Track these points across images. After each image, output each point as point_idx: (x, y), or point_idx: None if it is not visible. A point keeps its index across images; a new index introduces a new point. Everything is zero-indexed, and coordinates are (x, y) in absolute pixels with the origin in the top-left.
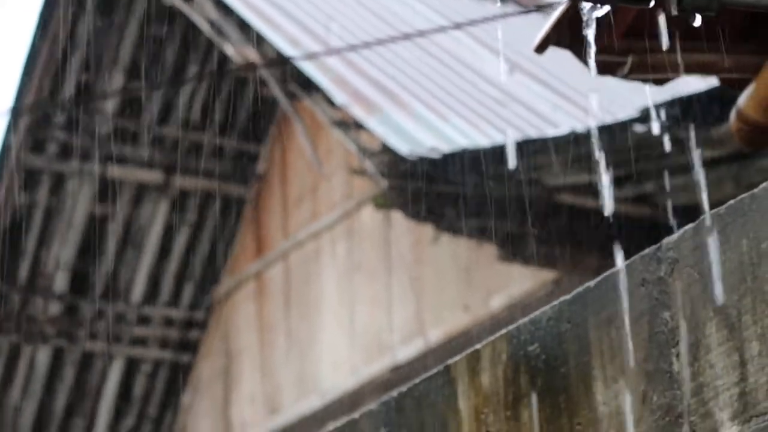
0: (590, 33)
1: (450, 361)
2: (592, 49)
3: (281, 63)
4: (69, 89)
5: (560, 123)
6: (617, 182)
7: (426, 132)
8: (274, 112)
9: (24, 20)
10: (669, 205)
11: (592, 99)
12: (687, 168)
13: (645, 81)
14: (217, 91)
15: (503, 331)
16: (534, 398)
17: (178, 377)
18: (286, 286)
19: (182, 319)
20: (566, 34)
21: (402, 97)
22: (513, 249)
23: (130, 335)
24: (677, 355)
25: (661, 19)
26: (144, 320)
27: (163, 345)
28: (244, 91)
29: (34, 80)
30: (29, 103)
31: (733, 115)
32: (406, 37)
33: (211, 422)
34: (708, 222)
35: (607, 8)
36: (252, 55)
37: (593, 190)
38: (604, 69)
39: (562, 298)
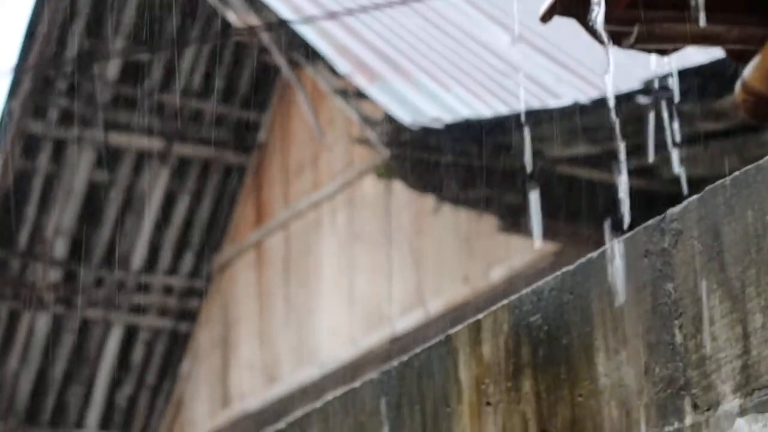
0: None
1: (451, 331)
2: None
3: (281, 27)
4: (71, 55)
5: (563, 95)
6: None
7: (428, 102)
8: (276, 81)
9: None
10: (673, 177)
11: (604, 72)
12: (691, 140)
13: (650, 51)
14: (219, 58)
15: (505, 301)
16: (535, 369)
17: (176, 345)
18: (285, 256)
19: (182, 288)
20: (572, 2)
21: (405, 66)
22: (514, 220)
23: (129, 303)
24: (680, 327)
25: None
26: (143, 288)
27: (162, 313)
28: (246, 60)
29: (36, 45)
30: (31, 65)
31: (738, 86)
32: (404, 2)
33: (210, 391)
34: (713, 193)
35: None
36: (253, 20)
37: (596, 162)
38: (610, 39)
39: (564, 269)
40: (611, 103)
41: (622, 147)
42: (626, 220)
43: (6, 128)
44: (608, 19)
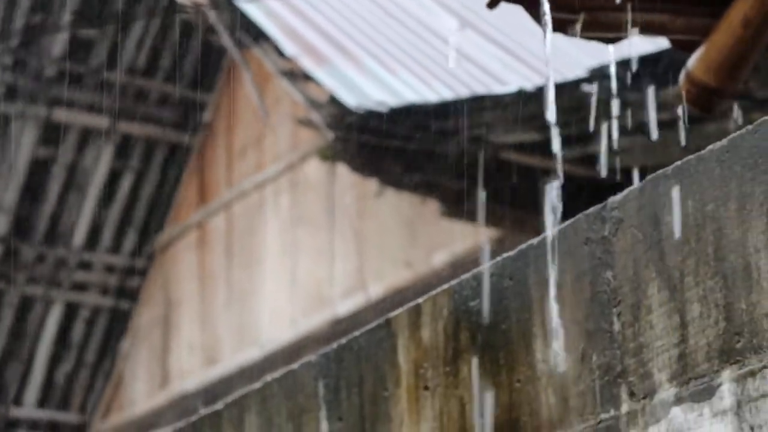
0: None
1: (391, 315)
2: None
3: (228, 6)
4: (16, 29)
5: (509, 81)
6: (564, 142)
7: (374, 86)
8: (222, 61)
9: None
10: (615, 166)
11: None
12: (634, 129)
13: (596, 40)
14: (165, 37)
15: (445, 285)
16: (474, 354)
17: (117, 324)
18: (228, 237)
19: (123, 266)
20: None
21: (352, 49)
22: (456, 206)
23: (70, 280)
24: (618, 315)
25: None
26: (85, 266)
27: (104, 291)
28: (193, 39)
29: None
30: None
31: (682, 77)
32: None
33: (149, 370)
34: (654, 182)
35: None
36: None
37: (539, 149)
38: (556, 26)
39: (504, 255)
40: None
41: (555, 134)
42: (568, 207)
43: None
44: (554, 7)
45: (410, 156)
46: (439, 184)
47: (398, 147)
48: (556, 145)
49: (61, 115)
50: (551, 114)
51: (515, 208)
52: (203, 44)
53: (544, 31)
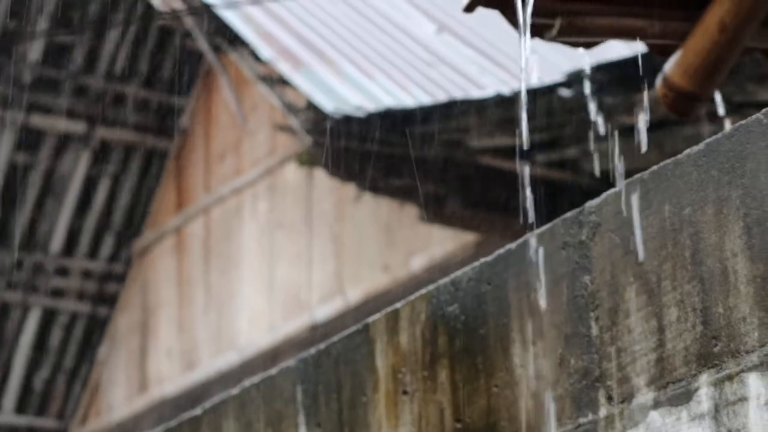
0: None
1: (369, 320)
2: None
3: (205, 11)
4: None
5: (487, 86)
6: (541, 146)
7: (352, 90)
8: (199, 66)
9: None
10: (592, 170)
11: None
12: (611, 133)
13: (572, 44)
14: (142, 42)
15: (423, 290)
16: (452, 359)
17: (95, 330)
18: (206, 242)
19: (101, 272)
20: None
21: (329, 54)
22: (435, 210)
23: (47, 286)
24: (596, 319)
25: None
26: (62, 271)
27: (81, 297)
28: (170, 44)
29: None
30: None
31: (659, 81)
32: None
33: (127, 376)
34: (630, 187)
35: None
36: (177, 4)
37: (516, 153)
38: (532, 31)
39: (482, 260)
40: (523, 95)
41: (525, 139)
42: (545, 212)
43: None
44: (531, 11)
45: (388, 160)
46: (417, 188)
47: (376, 151)
48: (533, 149)
49: (38, 120)
50: (524, 118)
51: (493, 212)
52: (180, 49)
53: (521, 36)
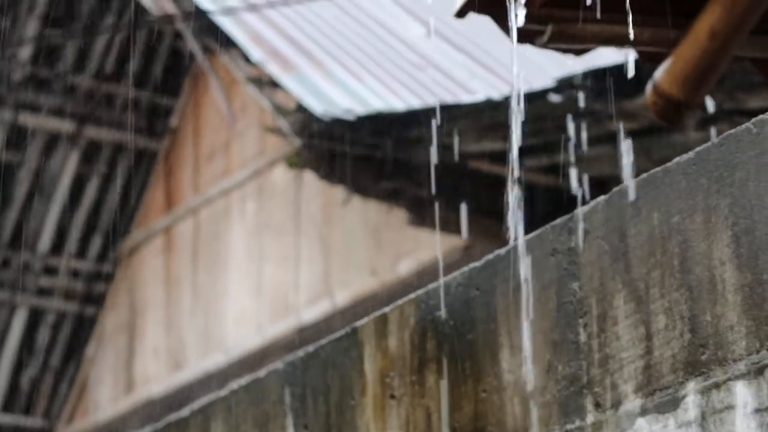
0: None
1: (357, 324)
2: (516, 15)
3: (199, 16)
4: None
5: (476, 90)
6: (531, 151)
7: (341, 93)
8: (189, 67)
9: None
10: (582, 176)
11: (512, 67)
12: (601, 140)
13: (563, 51)
14: (133, 42)
15: (412, 295)
16: (440, 363)
17: (82, 329)
18: (194, 242)
19: (89, 271)
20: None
21: (319, 56)
22: (423, 214)
23: (35, 285)
24: (584, 326)
25: None
26: (50, 271)
27: (69, 296)
28: (160, 45)
29: None
30: None
31: (649, 88)
32: None
33: (114, 376)
34: (620, 194)
35: None
36: (169, 7)
37: (506, 158)
38: (523, 37)
39: (471, 265)
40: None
41: (515, 144)
42: (534, 217)
43: None
44: (523, 17)
45: (377, 164)
46: (406, 192)
47: (365, 154)
48: (523, 154)
49: (27, 119)
50: (517, 123)
51: (482, 216)
52: (170, 50)
53: (512, 42)
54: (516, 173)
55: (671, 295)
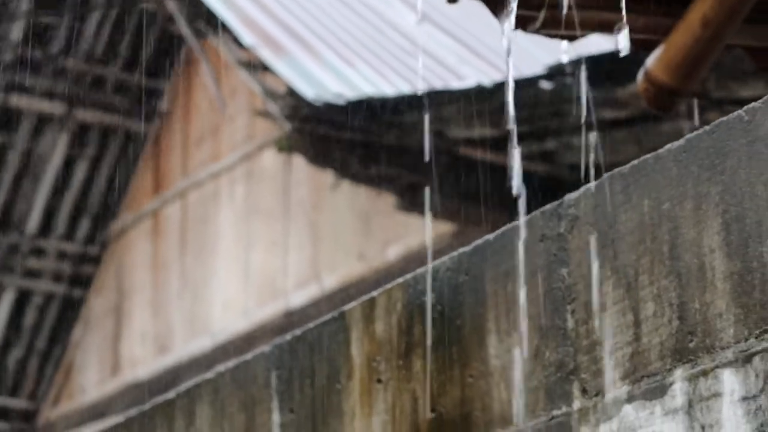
0: None
1: (345, 308)
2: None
3: (191, 0)
4: None
5: (467, 76)
6: (521, 138)
7: (332, 78)
8: (180, 50)
9: None
10: (572, 163)
11: (504, 53)
12: (591, 127)
13: (555, 37)
14: (123, 25)
15: (400, 279)
16: (427, 348)
17: (69, 311)
18: (182, 226)
19: (76, 253)
20: None
21: (310, 41)
22: (412, 200)
23: (22, 267)
24: (572, 312)
25: None
26: (38, 252)
27: (56, 278)
28: (151, 27)
29: None
30: None
31: (640, 76)
32: None
33: (100, 358)
34: (610, 180)
35: None
36: None
37: (496, 145)
38: (515, 23)
39: (461, 250)
40: (511, 86)
41: (508, 131)
42: (525, 204)
43: None
44: (515, 3)
45: (367, 149)
46: (395, 177)
47: (355, 139)
48: (513, 140)
49: (17, 100)
50: (510, 109)
51: (471, 203)
52: (161, 33)
53: (502, 28)
54: (507, 159)
55: (660, 282)
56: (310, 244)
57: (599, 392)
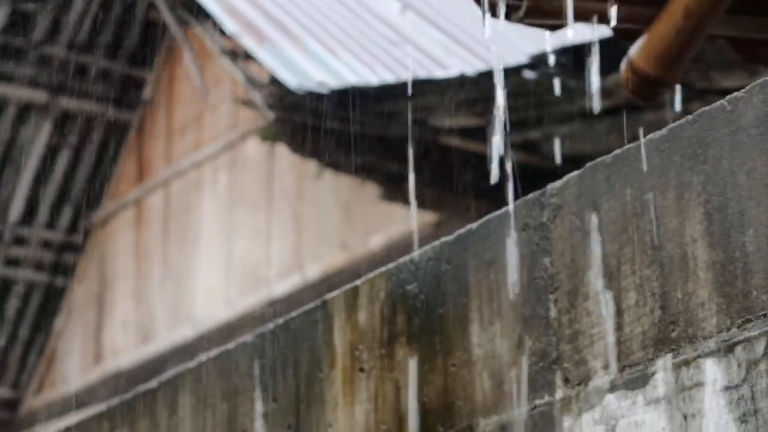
0: None
1: (328, 297)
2: None
3: None
4: None
5: (451, 66)
6: (504, 127)
7: (315, 67)
8: (163, 39)
9: None
10: (554, 152)
11: (487, 43)
12: (574, 116)
13: (538, 26)
14: (106, 13)
15: (383, 268)
16: (410, 337)
17: (51, 300)
18: (165, 215)
19: (59, 242)
20: None
21: (293, 30)
22: (395, 189)
23: (5, 255)
24: (555, 302)
25: None
26: (20, 241)
27: (39, 267)
28: (134, 16)
29: None
30: None
31: (623, 65)
32: None
33: (83, 347)
34: (593, 170)
35: None
36: None
37: (479, 134)
38: (498, 12)
39: (443, 239)
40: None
41: (493, 121)
42: (508, 193)
43: None
44: None
45: (350, 138)
46: (378, 166)
47: (338, 129)
48: (496, 130)
49: (0, 89)
50: (497, 98)
51: (454, 192)
52: (144, 21)
53: (484, 17)
54: (489, 149)
55: (642, 271)
56: (293, 233)
57: (582, 381)
